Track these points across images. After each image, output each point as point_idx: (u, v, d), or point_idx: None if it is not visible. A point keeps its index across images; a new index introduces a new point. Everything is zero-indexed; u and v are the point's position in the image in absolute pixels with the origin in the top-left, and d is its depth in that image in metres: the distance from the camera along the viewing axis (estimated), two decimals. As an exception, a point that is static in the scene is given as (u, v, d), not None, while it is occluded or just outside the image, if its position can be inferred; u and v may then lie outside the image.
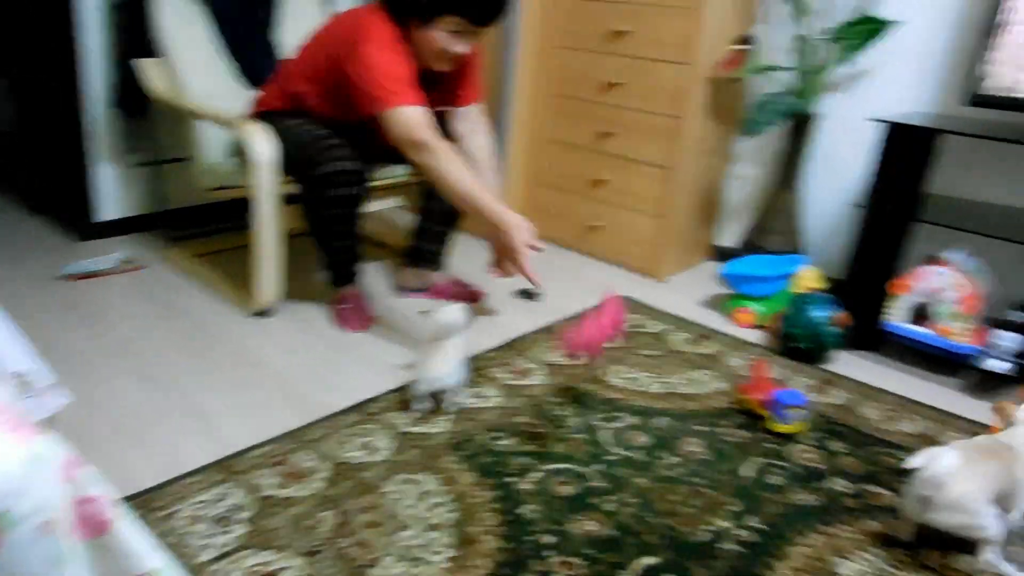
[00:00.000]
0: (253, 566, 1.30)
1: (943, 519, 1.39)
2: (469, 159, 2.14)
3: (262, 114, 2.18)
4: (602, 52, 2.73)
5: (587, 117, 2.83)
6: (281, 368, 1.97)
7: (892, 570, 1.42)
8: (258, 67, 2.50)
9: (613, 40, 2.69)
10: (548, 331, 2.28)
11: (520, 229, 1.88)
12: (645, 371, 2.08)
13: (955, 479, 1.37)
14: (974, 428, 1.91)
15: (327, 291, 2.32)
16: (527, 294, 2.53)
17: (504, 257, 1.96)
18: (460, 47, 1.97)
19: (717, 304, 2.59)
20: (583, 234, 2.95)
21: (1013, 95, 2.10)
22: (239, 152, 2.32)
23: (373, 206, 2.23)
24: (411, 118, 1.88)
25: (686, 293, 2.69)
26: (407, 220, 2.50)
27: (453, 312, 1.76)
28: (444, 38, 1.93)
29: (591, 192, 2.89)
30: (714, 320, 2.47)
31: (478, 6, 1.90)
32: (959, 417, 1.97)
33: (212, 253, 2.67)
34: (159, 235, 2.81)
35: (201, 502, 1.44)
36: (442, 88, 2.14)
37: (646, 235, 2.77)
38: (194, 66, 2.40)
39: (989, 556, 1.40)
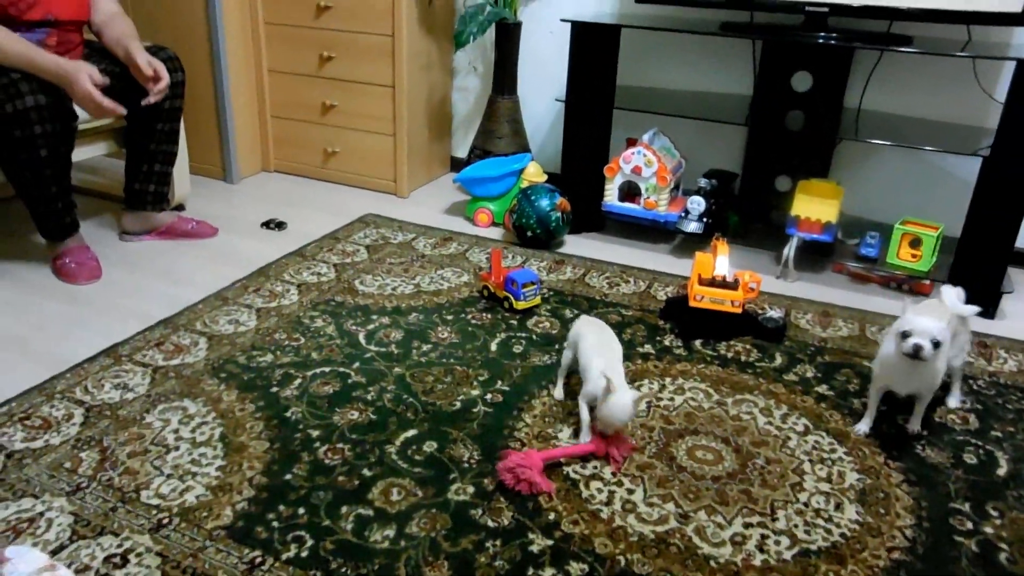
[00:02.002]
0: (9, 516, 1.28)
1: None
2: (121, 38, 2.12)
3: None
4: (310, -26, 2.72)
5: (304, 43, 2.83)
6: (14, 332, 1.86)
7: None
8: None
9: (320, -38, 2.69)
10: (297, 256, 2.32)
11: (79, 74, 1.88)
12: (394, 277, 2.21)
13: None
14: (680, 281, 2.25)
15: (47, 250, 2.18)
16: (273, 225, 2.54)
17: (84, 106, 1.95)
18: None
19: (458, 210, 2.76)
20: (323, 161, 2.98)
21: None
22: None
23: (79, 154, 2.12)
24: None
25: (429, 205, 2.83)
26: (117, 164, 2.39)
27: (624, 405, 1.43)
28: None
29: (323, 119, 2.91)
30: (457, 225, 2.64)
31: None
32: (668, 274, 2.30)
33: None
34: None
35: (-60, 469, 1.38)
36: None
37: (383, 154, 2.86)
38: None
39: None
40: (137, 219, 2.39)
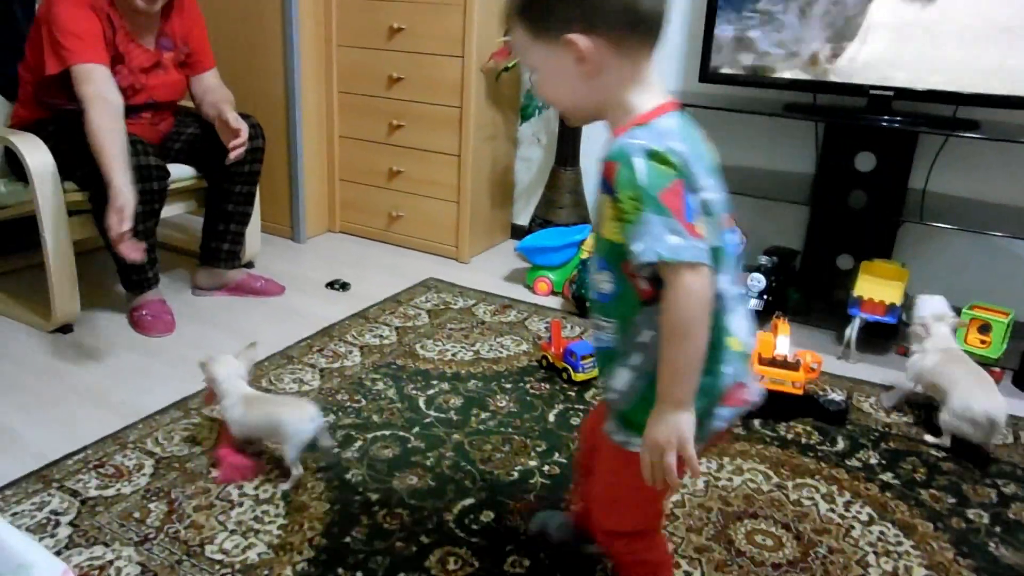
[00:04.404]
0: (82, 563, 1.32)
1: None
2: (217, 103, 2.26)
3: (26, 127, 2.12)
4: (382, 48, 2.85)
5: (375, 112, 2.94)
6: (90, 380, 1.94)
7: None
8: (12, 80, 2.40)
9: (392, 36, 2.82)
10: (360, 317, 2.38)
11: (119, 198, 1.86)
12: (454, 343, 2.24)
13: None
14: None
15: (127, 301, 2.28)
16: (337, 285, 2.61)
17: (109, 222, 1.91)
18: None
19: (518, 278, 2.80)
20: (387, 224, 3.07)
21: (734, 72, 2.45)
22: (8, 169, 2.24)
23: (163, 212, 2.24)
24: (81, 73, 1.98)
25: (489, 271, 2.88)
26: (192, 221, 2.52)
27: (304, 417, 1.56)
28: None
29: (389, 183, 3.01)
30: (516, 292, 2.68)
31: None
32: (725, 350, 2.29)
33: (-4, 276, 2.54)
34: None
35: (18, 513, 1.43)
36: (177, 54, 2.26)
37: (446, 220, 2.93)
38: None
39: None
40: (210, 275, 2.49)
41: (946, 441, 1.80)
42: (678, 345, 0.94)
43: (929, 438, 1.84)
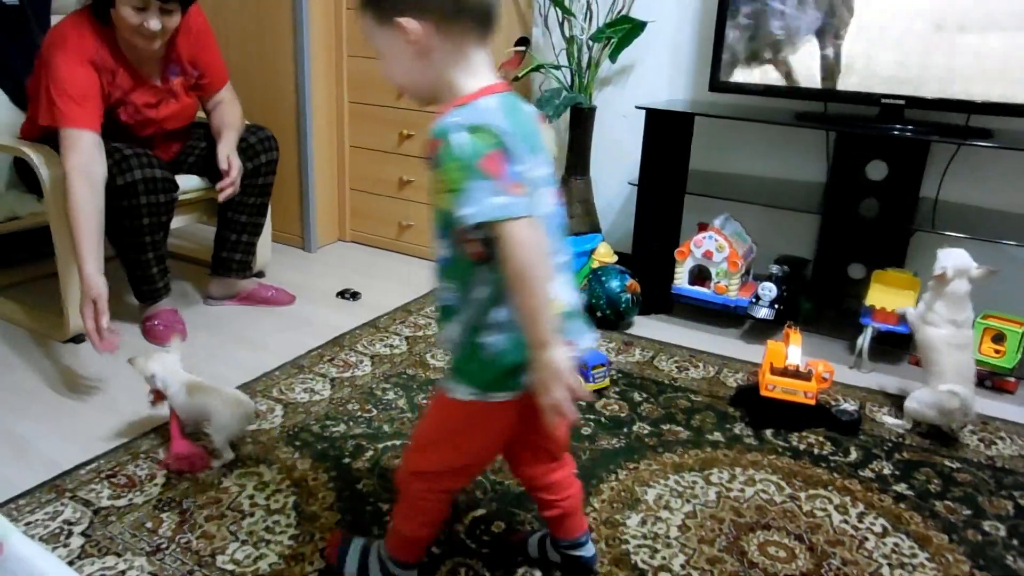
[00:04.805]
0: (94, 573, 1.32)
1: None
2: (221, 126, 2.27)
3: (40, 137, 2.13)
4: (395, 59, 2.86)
5: (385, 122, 2.95)
6: (104, 389, 1.95)
7: (681, 488, 1.66)
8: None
9: (406, 47, 2.83)
10: (371, 327, 2.38)
11: (90, 289, 1.87)
12: (465, 351, 2.24)
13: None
14: (751, 367, 2.22)
15: (139, 310, 2.29)
16: (348, 295, 2.62)
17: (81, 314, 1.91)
18: (152, 22, 1.97)
19: (527, 286, 2.80)
20: (397, 233, 3.08)
21: (744, 81, 2.45)
22: (20, 180, 2.26)
23: (174, 223, 2.25)
24: (69, 138, 1.95)
25: (499, 280, 2.87)
26: (204, 230, 2.54)
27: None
28: (131, 14, 1.96)
29: (399, 193, 3.02)
30: (525, 301, 2.67)
31: None
32: (738, 360, 2.28)
33: (10, 287, 2.55)
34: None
35: (31, 522, 1.44)
36: (187, 79, 2.24)
37: (456, 229, 2.93)
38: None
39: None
40: (221, 285, 2.50)
41: (907, 424, 1.90)
42: (523, 292, 1.03)
43: (889, 420, 1.94)
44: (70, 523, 1.45)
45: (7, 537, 0.88)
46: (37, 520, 1.45)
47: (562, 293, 1.12)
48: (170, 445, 1.66)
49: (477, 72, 1.10)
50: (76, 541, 1.40)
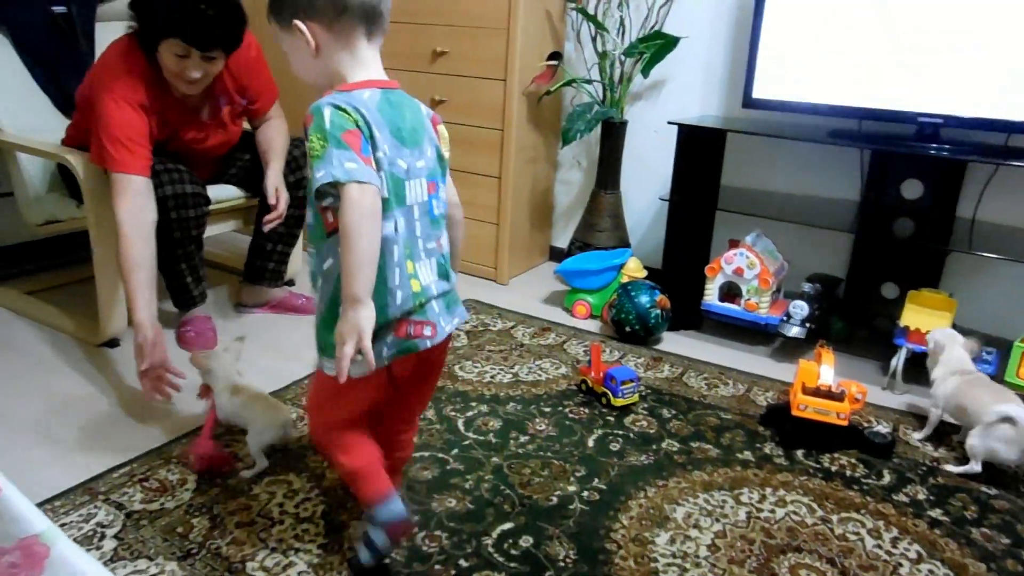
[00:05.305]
0: (127, 576, 1.34)
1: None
2: (268, 150, 2.27)
3: (81, 146, 2.17)
4: (426, 71, 2.88)
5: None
6: (136, 394, 1.97)
7: (711, 507, 1.64)
8: (70, 97, 2.46)
9: (435, 60, 2.85)
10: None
11: (138, 334, 1.84)
12: (493, 365, 2.24)
13: None
14: (781, 386, 2.20)
15: (174, 316, 2.32)
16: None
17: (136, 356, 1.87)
18: (193, 71, 1.96)
19: (556, 300, 2.80)
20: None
21: (777, 99, 2.43)
22: (63, 184, 2.30)
23: (211, 231, 2.28)
24: (120, 183, 1.94)
25: (528, 293, 2.88)
26: (238, 238, 2.57)
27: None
28: (174, 62, 1.95)
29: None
30: (555, 315, 2.67)
31: (191, 29, 1.90)
32: (768, 378, 2.26)
33: (47, 289, 2.59)
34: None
35: (66, 524, 1.46)
36: (235, 108, 2.24)
37: (486, 241, 2.94)
38: (3, 97, 2.34)
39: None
40: (254, 293, 2.52)
41: (976, 467, 1.78)
42: (347, 248, 1.12)
43: (951, 467, 1.82)
44: (103, 526, 1.47)
45: (55, 542, 0.89)
46: (72, 522, 1.47)
47: (424, 275, 1.25)
48: (196, 441, 1.68)
49: (366, 66, 1.25)
50: (109, 544, 1.42)
